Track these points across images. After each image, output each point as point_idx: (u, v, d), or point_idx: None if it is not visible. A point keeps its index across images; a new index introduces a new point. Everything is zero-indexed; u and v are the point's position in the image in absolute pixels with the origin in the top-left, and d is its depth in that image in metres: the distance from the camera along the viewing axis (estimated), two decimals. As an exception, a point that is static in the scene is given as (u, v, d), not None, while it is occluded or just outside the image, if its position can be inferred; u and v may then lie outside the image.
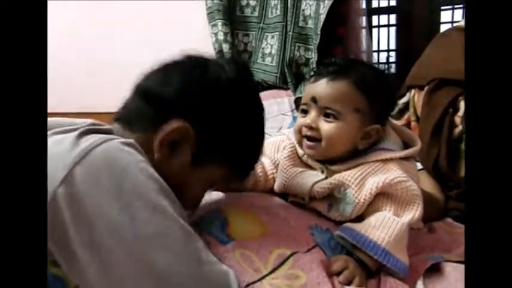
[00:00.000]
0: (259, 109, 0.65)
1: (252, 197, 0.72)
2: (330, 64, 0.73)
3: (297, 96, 1.50)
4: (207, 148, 0.56)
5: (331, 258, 0.59)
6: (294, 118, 1.52)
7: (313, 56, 1.43)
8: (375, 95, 0.69)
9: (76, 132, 0.45)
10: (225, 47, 1.60)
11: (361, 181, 0.66)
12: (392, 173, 0.65)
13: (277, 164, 0.77)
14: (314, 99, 0.69)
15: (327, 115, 0.68)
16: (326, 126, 0.68)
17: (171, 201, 0.46)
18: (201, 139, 0.55)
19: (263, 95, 1.58)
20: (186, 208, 0.62)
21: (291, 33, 1.49)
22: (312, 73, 0.76)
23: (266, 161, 0.80)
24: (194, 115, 0.54)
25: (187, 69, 0.57)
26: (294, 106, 1.52)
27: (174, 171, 0.55)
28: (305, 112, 0.72)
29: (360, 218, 0.67)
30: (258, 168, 0.77)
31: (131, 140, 0.47)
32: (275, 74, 1.55)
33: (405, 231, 0.62)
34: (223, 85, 0.57)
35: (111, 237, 0.40)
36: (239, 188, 0.75)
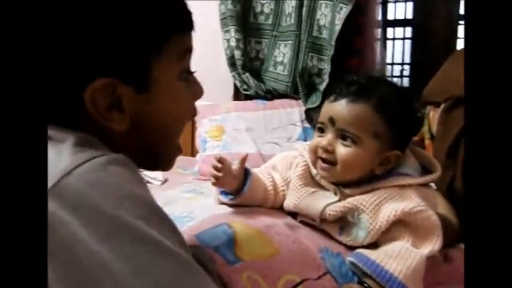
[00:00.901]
0: None
1: (260, 212, 0.69)
2: (351, 83, 0.69)
3: (307, 107, 1.48)
4: (132, 70, 0.44)
5: (342, 287, 0.56)
6: (304, 129, 1.50)
7: (326, 67, 1.41)
8: (396, 119, 0.66)
9: (56, 148, 0.38)
10: (237, 54, 1.59)
11: (377, 207, 0.63)
12: (411, 201, 0.62)
13: (288, 182, 0.75)
14: (332, 120, 0.66)
15: (344, 138, 0.65)
16: (343, 150, 0.65)
17: (164, 226, 0.39)
18: (117, 73, 0.43)
19: (273, 104, 1.56)
20: (184, 125, 0.53)
21: (304, 42, 1.47)
22: (336, 90, 0.72)
23: (277, 176, 0.77)
24: (91, 65, 0.42)
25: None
26: (304, 117, 1.49)
27: (142, 119, 0.46)
28: (321, 131, 0.69)
29: (372, 245, 0.64)
30: (268, 182, 0.75)
31: (117, 155, 0.40)
32: (286, 83, 1.53)
33: (423, 264, 0.59)
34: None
35: (94, 273, 0.34)
36: (248, 203, 0.72)
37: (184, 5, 0.50)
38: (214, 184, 0.71)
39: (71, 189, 0.35)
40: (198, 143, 1.55)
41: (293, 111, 1.52)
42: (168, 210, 0.72)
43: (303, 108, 1.50)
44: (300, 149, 0.78)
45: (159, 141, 0.49)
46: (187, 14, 0.51)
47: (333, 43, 1.34)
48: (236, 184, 0.70)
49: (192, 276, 0.38)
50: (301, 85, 1.49)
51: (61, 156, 0.37)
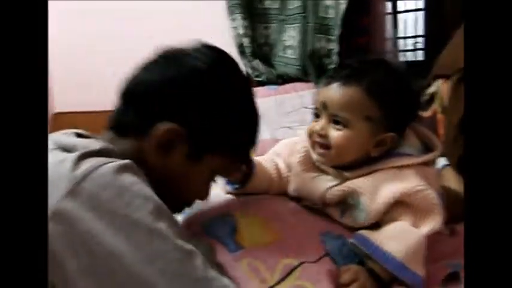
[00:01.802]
0: (244, 90, 0.63)
1: (263, 200, 0.71)
2: (344, 67, 0.69)
3: (319, 88, 1.48)
4: (199, 141, 0.56)
5: (341, 268, 0.58)
6: (317, 111, 1.49)
7: (334, 47, 1.39)
8: (390, 102, 0.65)
9: (75, 156, 0.45)
10: (245, 41, 1.59)
11: (375, 188, 0.64)
12: (410, 182, 0.62)
13: (291, 167, 0.76)
14: (324, 105, 0.67)
15: (336, 122, 0.66)
16: (335, 134, 0.66)
17: (168, 221, 0.45)
18: (192, 134, 0.55)
19: (285, 88, 1.56)
20: (191, 203, 0.64)
21: (311, 24, 1.45)
22: (329, 73, 0.73)
23: (280, 162, 0.79)
24: (179, 113, 0.55)
25: (163, 67, 0.57)
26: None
27: (173, 171, 0.56)
28: (317, 116, 0.70)
29: (375, 225, 0.65)
30: (272, 170, 0.76)
31: (127, 162, 0.47)
32: (296, 67, 1.53)
33: (423, 243, 0.60)
34: (199, 75, 0.56)
35: (108, 263, 0.41)
36: (253, 189, 0.74)
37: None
38: None
39: (87, 191, 0.42)
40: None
41: (305, 94, 1.51)
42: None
43: (315, 91, 1.49)
44: (302, 135, 0.79)
45: (169, 191, 0.53)
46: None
47: (340, 22, 1.32)
48: (240, 175, 0.72)
49: (195, 263, 0.45)
50: (311, 67, 1.48)
51: (80, 162, 0.45)
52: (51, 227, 0.40)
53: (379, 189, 0.64)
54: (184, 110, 0.55)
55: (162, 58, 0.59)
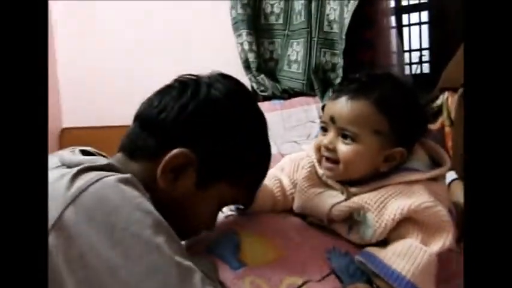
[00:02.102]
0: (258, 121, 0.64)
1: (267, 217, 0.70)
2: (352, 81, 0.69)
3: (324, 103, 1.47)
4: (210, 170, 0.57)
5: (347, 287, 0.57)
6: (323, 125, 1.49)
7: (339, 62, 1.40)
8: (398, 116, 0.65)
9: (75, 170, 0.46)
10: (251, 57, 1.60)
11: (382, 204, 0.62)
12: (419, 198, 0.61)
13: (296, 184, 0.75)
14: (332, 119, 0.66)
15: (344, 136, 0.65)
16: (343, 148, 0.65)
17: (168, 236, 0.45)
18: (203, 161, 0.56)
19: (290, 102, 1.56)
20: (197, 233, 0.62)
21: (315, 39, 1.46)
22: (336, 87, 0.73)
23: (285, 180, 0.78)
24: (192, 139, 0.55)
25: (179, 94, 0.58)
26: (321, 113, 1.49)
27: (181, 197, 0.56)
28: (324, 130, 0.69)
29: (383, 242, 0.64)
30: (276, 188, 0.76)
31: (127, 176, 0.47)
32: (302, 81, 1.53)
33: (433, 261, 0.58)
34: (214, 104, 0.57)
35: (106, 275, 0.41)
36: (258, 208, 0.73)
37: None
38: None
39: (87, 203, 0.42)
40: (219, 147, 1.58)
41: (310, 108, 1.51)
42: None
43: (320, 105, 1.49)
44: (308, 150, 0.78)
45: (176, 218, 0.52)
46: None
47: (344, 37, 1.32)
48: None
49: (193, 280, 0.44)
50: (317, 81, 1.48)
51: (79, 176, 0.45)
52: (50, 241, 0.40)
53: (387, 205, 0.62)
54: (197, 137, 0.56)
55: (180, 85, 0.60)
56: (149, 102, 0.59)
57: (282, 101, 1.57)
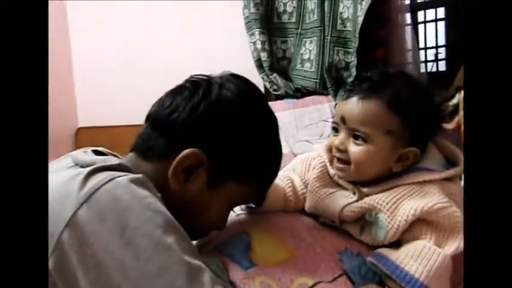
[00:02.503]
0: (269, 121, 0.64)
1: (279, 217, 0.70)
2: (363, 80, 0.68)
3: (337, 102, 1.46)
4: (221, 169, 0.57)
5: (359, 287, 0.56)
6: (336, 125, 1.47)
7: (353, 60, 1.38)
8: (411, 115, 0.63)
9: (88, 170, 0.46)
10: (263, 56, 1.60)
11: (394, 205, 0.61)
12: (432, 198, 0.60)
13: (307, 184, 0.75)
14: (343, 119, 0.66)
15: (355, 137, 0.64)
16: (354, 149, 0.64)
17: (178, 236, 0.45)
18: (214, 161, 0.56)
19: (303, 101, 1.56)
20: (208, 233, 0.62)
21: (329, 37, 1.45)
22: (347, 86, 0.72)
23: (296, 180, 0.77)
24: (203, 140, 0.56)
25: (190, 95, 0.58)
26: (334, 112, 1.47)
27: (192, 197, 0.56)
28: (336, 130, 0.69)
29: (396, 243, 0.63)
30: (288, 188, 0.75)
31: (139, 176, 0.48)
32: (314, 80, 1.52)
33: (448, 264, 0.56)
34: (225, 105, 0.57)
35: (117, 275, 0.41)
36: (270, 208, 0.73)
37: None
38: None
39: (99, 203, 0.43)
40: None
41: (323, 107, 1.50)
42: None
43: (333, 104, 1.48)
44: (319, 150, 0.77)
45: (187, 218, 0.52)
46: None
47: (357, 35, 1.31)
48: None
49: (203, 279, 0.44)
50: (329, 80, 1.47)
51: (92, 176, 0.46)
52: (64, 239, 0.41)
53: (399, 206, 0.61)
54: (208, 137, 0.56)
55: (191, 85, 0.60)
56: (161, 103, 0.60)
57: (294, 100, 1.57)
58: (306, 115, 1.51)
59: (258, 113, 0.62)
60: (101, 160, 0.51)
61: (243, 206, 0.75)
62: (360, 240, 0.66)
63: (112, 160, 0.52)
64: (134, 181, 0.46)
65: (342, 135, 0.66)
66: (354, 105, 0.65)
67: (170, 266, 0.42)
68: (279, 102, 1.60)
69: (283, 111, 1.55)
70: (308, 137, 1.47)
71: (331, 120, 1.49)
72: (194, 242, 0.62)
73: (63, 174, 0.48)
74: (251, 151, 0.59)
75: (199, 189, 0.56)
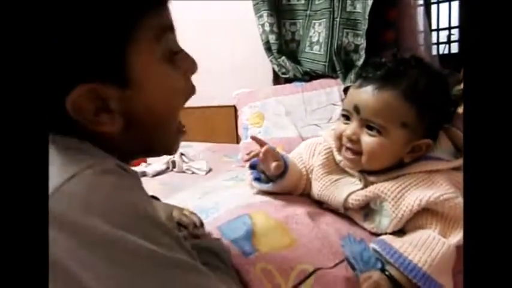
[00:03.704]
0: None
1: (283, 201, 0.70)
2: (378, 67, 0.65)
3: (346, 85, 1.44)
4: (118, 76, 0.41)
5: (360, 275, 0.56)
6: (344, 108, 1.46)
7: (362, 42, 1.35)
8: (427, 107, 0.61)
9: (53, 157, 0.38)
10: (271, 38, 1.58)
11: (400, 194, 0.61)
12: (439, 189, 0.59)
13: (311, 170, 0.75)
14: (357, 109, 0.63)
15: (369, 127, 0.63)
16: (368, 140, 0.63)
17: (154, 231, 0.38)
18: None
19: (311, 85, 1.54)
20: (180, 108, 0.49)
21: (338, 19, 1.42)
22: (359, 71, 0.69)
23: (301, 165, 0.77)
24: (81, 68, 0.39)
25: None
26: (343, 95, 1.45)
27: (141, 116, 0.43)
28: (346, 118, 0.67)
29: (400, 230, 0.63)
30: (303, 169, 0.75)
31: (104, 165, 0.39)
32: (323, 63, 1.50)
33: (452, 253, 0.56)
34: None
35: (136, 256, 0.35)
36: (282, 190, 0.73)
37: None
38: (261, 160, 0.70)
39: (59, 207, 0.35)
40: (240, 130, 1.58)
41: (332, 90, 1.48)
42: (201, 202, 0.76)
43: (342, 87, 1.46)
44: (325, 135, 0.77)
45: (156, 131, 0.46)
46: None
47: (367, 17, 1.28)
48: (278, 168, 0.69)
49: (191, 274, 0.38)
50: (339, 63, 1.44)
51: (50, 171, 0.36)
52: (55, 237, 0.35)
53: (404, 195, 0.61)
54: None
55: None
56: None
57: (303, 83, 1.55)
58: (314, 99, 1.49)
59: None
60: (53, 143, 0.40)
61: (255, 185, 0.74)
62: (363, 227, 0.66)
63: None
64: (98, 173, 0.38)
65: (354, 124, 0.64)
66: (368, 95, 0.62)
67: (152, 269, 0.36)
68: (288, 85, 1.58)
69: (291, 94, 1.54)
70: (317, 121, 1.46)
71: (339, 104, 1.47)
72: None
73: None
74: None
75: (129, 103, 0.42)
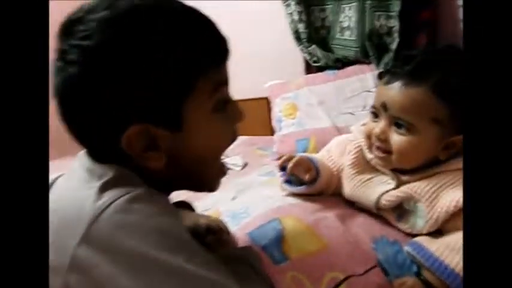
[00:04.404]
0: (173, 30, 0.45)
1: (313, 204, 0.70)
2: (406, 61, 0.61)
3: (380, 70, 1.38)
4: (170, 119, 0.45)
5: (394, 281, 0.55)
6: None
7: (396, 24, 1.29)
8: (461, 101, 0.58)
9: (96, 190, 0.42)
10: (300, 27, 1.54)
11: (434, 194, 0.59)
12: None
13: (342, 169, 0.73)
14: (384, 106, 0.61)
15: (398, 125, 0.60)
16: (397, 139, 0.60)
17: (188, 252, 0.40)
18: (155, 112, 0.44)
19: (344, 72, 1.49)
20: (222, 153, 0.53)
21: (369, 1, 1.35)
22: (387, 66, 0.67)
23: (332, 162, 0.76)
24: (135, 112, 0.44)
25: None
26: (378, 81, 1.40)
27: (186, 154, 0.48)
28: (375, 115, 0.65)
29: (437, 231, 0.60)
30: (332, 165, 0.74)
31: (138, 192, 0.42)
32: (355, 49, 1.44)
33: None
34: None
35: None
36: (314, 191, 0.73)
37: (217, 36, 0.48)
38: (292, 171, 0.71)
39: (99, 233, 0.39)
40: (274, 123, 1.57)
41: (365, 77, 1.43)
42: (232, 205, 0.77)
43: (376, 73, 1.40)
44: (355, 132, 0.75)
45: (197, 171, 0.50)
46: (219, 46, 0.48)
47: (399, -4, 1.21)
48: (311, 177, 0.71)
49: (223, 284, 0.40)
50: (371, 48, 1.38)
51: (89, 200, 0.41)
52: (70, 278, 0.39)
53: (439, 195, 0.58)
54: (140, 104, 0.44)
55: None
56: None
57: (335, 71, 1.50)
58: (347, 86, 1.45)
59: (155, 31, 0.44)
60: (102, 170, 0.45)
61: (286, 188, 0.74)
62: (397, 227, 0.64)
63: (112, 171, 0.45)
64: (133, 200, 0.41)
65: (382, 122, 0.62)
66: (396, 92, 0.60)
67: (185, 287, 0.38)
68: (320, 74, 1.54)
69: (324, 83, 1.50)
70: (351, 109, 1.42)
71: (374, 90, 1.42)
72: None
73: (77, 184, 0.45)
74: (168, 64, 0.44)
75: (176, 145, 0.46)
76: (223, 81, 0.49)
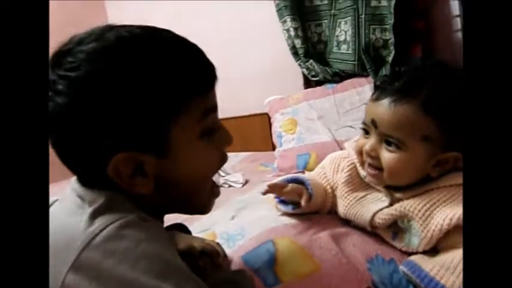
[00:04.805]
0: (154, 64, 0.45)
1: (307, 224, 0.69)
2: (396, 77, 0.61)
3: (378, 82, 1.38)
4: (158, 145, 0.46)
5: (388, 303, 0.54)
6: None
7: (391, 37, 1.29)
8: (451, 117, 0.56)
9: (87, 216, 0.43)
10: (297, 43, 1.55)
11: (428, 212, 0.58)
12: None
13: (336, 187, 0.73)
14: (374, 123, 0.61)
15: (388, 143, 0.60)
16: (387, 156, 0.60)
17: (177, 278, 0.40)
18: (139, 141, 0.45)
19: (342, 85, 1.50)
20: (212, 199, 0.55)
21: (363, 16, 1.36)
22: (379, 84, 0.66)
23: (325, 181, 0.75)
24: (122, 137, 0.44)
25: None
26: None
27: (175, 179, 0.48)
28: (366, 132, 0.64)
29: (433, 248, 0.59)
30: (326, 183, 0.74)
31: (129, 218, 0.42)
32: (352, 62, 1.45)
33: None
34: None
35: None
36: (309, 211, 0.72)
37: (203, 64, 0.48)
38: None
39: (90, 261, 0.39)
40: (274, 138, 1.58)
41: (364, 89, 1.43)
42: (227, 227, 0.77)
43: (373, 85, 1.40)
44: (348, 149, 0.74)
45: (186, 195, 0.50)
46: (205, 74, 0.49)
47: (392, 10, 1.22)
48: (305, 201, 0.70)
49: None
50: (368, 61, 1.39)
51: (80, 226, 0.42)
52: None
53: (433, 213, 0.57)
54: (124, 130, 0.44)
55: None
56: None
57: (334, 85, 1.51)
58: (346, 99, 1.45)
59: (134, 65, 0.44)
60: (93, 196, 0.46)
61: (280, 208, 0.74)
62: (393, 245, 0.64)
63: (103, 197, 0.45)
64: (124, 226, 0.41)
65: (372, 139, 0.62)
66: (385, 109, 0.59)
67: None
68: (318, 88, 1.55)
69: (323, 97, 1.51)
70: (350, 122, 1.41)
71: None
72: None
73: (68, 208, 0.46)
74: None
75: (163, 170, 0.47)
76: (211, 108, 0.50)
